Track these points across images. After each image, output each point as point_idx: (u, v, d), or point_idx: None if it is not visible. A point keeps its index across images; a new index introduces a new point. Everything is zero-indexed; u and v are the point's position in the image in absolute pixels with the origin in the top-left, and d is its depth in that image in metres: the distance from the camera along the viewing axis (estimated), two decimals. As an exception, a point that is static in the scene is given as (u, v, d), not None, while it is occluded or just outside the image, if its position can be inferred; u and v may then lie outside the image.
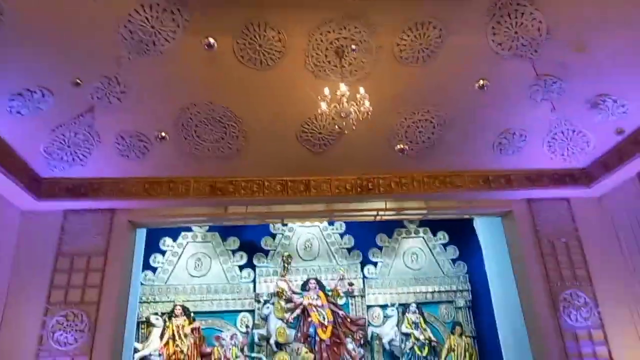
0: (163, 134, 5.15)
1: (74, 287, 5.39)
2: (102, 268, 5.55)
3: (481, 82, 4.72)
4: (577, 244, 6.41)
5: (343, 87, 4.41)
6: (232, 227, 9.61)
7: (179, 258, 9.15)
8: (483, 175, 6.31)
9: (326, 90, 4.42)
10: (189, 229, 9.27)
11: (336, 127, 4.63)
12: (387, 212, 6.53)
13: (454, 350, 8.87)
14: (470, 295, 9.46)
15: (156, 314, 8.61)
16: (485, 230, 7.72)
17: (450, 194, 6.17)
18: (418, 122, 5.67)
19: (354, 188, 5.91)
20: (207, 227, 9.35)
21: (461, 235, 9.74)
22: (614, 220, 6.50)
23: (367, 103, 4.51)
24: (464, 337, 9.02)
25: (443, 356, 8.86)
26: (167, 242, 9.16)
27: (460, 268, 9.64)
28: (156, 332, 8.45)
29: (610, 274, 6.21)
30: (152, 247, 9.05)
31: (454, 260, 9.70)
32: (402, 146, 5.56)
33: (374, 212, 6.55)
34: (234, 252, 9.37)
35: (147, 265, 8.91)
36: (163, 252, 9.11)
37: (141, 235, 7.13)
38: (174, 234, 9.22)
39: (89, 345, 5.17)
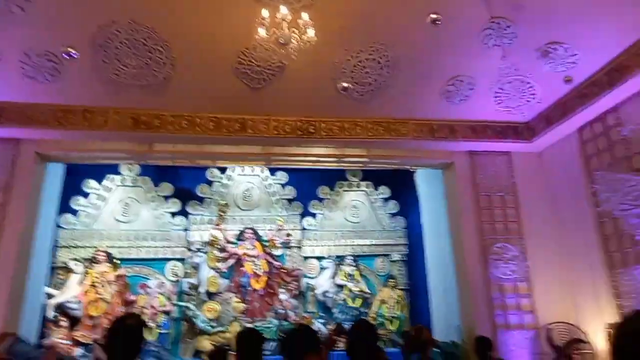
0: (72, 51, 4.42)
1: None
2: (2, 203, 4.88)
3: (433, 15, 4.38)
4: (513, 199, 6.42)
5: (284, 10, 3.93)
6: (165, 172, 9.00)
7: (105, 202, 8.47)
8: (428, 124, 6.08)
9: (264, 13, 3.92)
10: (117, 172, 8.58)
11: (274, 57, 4.18)
12: (328, 159, 6.21)
13: (385, 302, 8.95)
14: (407, 249, 9.53)
15: (76, 259, 8.00)
16: (425, 184, 7.64)
17: (394, 142, 5.92)
18: (365, 62, 5.27)
19: (294, 130, 5.49)
20: (138, 171, 8.69)
21: (402, 189, 9.68)
22: (551, 176, 6.54)
23: (310, 32, 4.08)
24: (396, 289, 9.10)
25: (374, 308, 8.92)
26: (90, 184, 8.43)
27: (399, 222, 9.63)
28: (74, 278, 7.85)
29: (542, 229, 6.30)
30: (74, 188, 8.33)
31: (393, 215, 9.67)
32: (346, 85, 5.18)
33: (314, 158, 6.20)
34: (166, 198, 8.81)
35: (67, 208, 8.21)
36: (86, 195, 8.39)
37: (56, 171, 6.44)
38: (99, 175, 8.50)
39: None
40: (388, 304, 8.93)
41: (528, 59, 5.48)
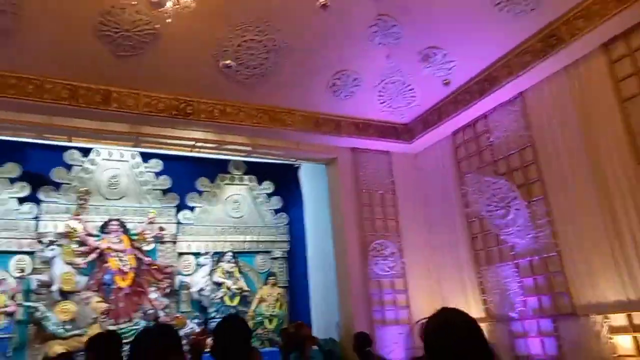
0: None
1: None
2: None
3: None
4: (391, 197, 6.47)
5: (159, -36, 3.38)
6: (12, 151, 7.67)
7: None
8: (314, 116, 5.83)
9: (135, -35, 3.34)
10: (-53, 146, 7.08)
11: (145, 19, 3.57)
12: (206, 144, 5.64)
13: (264, 300, 8.59)
14: (288, 247, 9.27)
15: None
16: (309, 180, 7.42)
17: (278, 132, 5.57)
18: (250, 42, 4.82)
19: (168, 109, 4.84)
20: (-24, 147, 7.27)
21: (286, 185, 9.41)
22: (426, 177, 6.74)
23: (188, -5, 3.56)
24: (276, 287, 8.80)
25: (253, 306, 8.51)
26: None
27: (282, 219, 9.33)
28: None
29: (417, 227, 6.43)
30: None
31: (276, 211, 9.34)
32: (229, 62, 4.70)
33: (191, 142, 5.59)
34: (12, 180, 7.49)
35: None
36: None
37: None
38: None
39: None
40: (267, 302, 8.57)
41: (410, 61, 5.52)
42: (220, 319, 2.49)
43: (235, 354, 2.42)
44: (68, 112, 4.63)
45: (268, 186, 9.30)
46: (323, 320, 7.04)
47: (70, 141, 5.20)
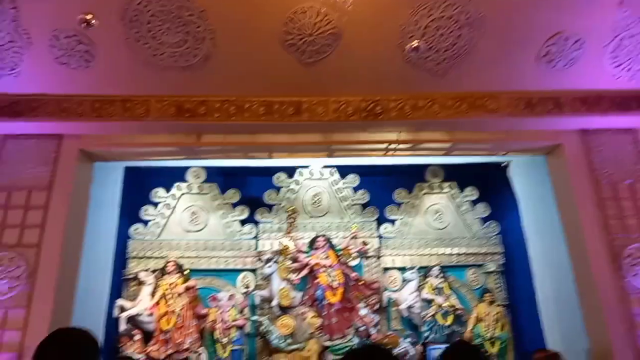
0: (90, 17, 3.82)
1: (11, 226, 4.33)
2: (44, 205, 4.44)
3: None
4: (645, 186, 4.85)
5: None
6: (231, 178, 8.43)
7: (172, 211, 8.05)
8: (525, 96, 4.73)
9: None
10: (183, 179, 8.16)
11: (328, 18, 3.28)
12: (400, 146, 5.11)
13: (482, 320, 7.50)
14: (503, 259, 8.03)
15: (146, 270, 7.61)
16: (523, 178, 6.17)
17: (481, 121, 4.68)
18: (438, 20, 4.16)
19: (357, 112, 4.49)
20: (204, 178, 8.22)
21: (493, 190, 8.23)
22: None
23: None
24: (494, 305, 7.62)
25: (470, 326, 7.51)
26: (159, 193, 8.06)
27: (492, 228, 8.15)
28: (146, 290, 7.43)
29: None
30: (144, 198, 8.02)
31: (484, 219, 8.22)
32: (416, 44, 4.11)
33: (384, 145, 5.13)
34: (234, 205, 8.21)
35: (137, 219, 7.89)
36: (155, 205, 8.04)
37: (114, 178, 6.09)
38: (168, 184, 8.13)
39: (27, 295, 4.11)
40: (486, 322, 7.47)
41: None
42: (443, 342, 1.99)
43: None
44: (266, 129, 4.68)
45: (471, 192, 8.26)
46: (562, 345, 5.65)
47: (270, 157, 5.28)
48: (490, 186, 8.21)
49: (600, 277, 4.58)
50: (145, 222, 7.90)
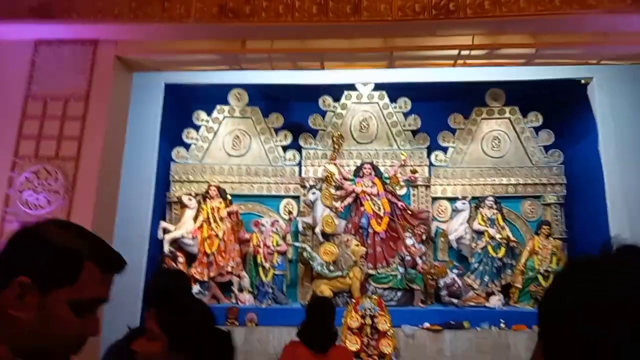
0: None
1: (48, 138, 4.01)
2: (82, 116, 4.07)
3: None
4: None
5: None
6: (274, 102, 7.92)
7: (214, 134, 7.68)
8: (632, -12, 3.89)
9: None
10: (225, 101, 7.69)
11: None
12: (474, 52, 4.36)
13: (537, 254, 7.01)
14: (565, 190, 7.35)
15: (189, 194, 7.40)
16: (607, 96, 5.33)
17: (574, 19, 3.84)
18: None
19: (427, 10, 3.76)
20: (246, 101, 7.73)
21: (560, 116, 7.39)
22: None
23: None
24: (551, 238, 7.09)
25: (523, 259, 7.04)
26: (201, 116, 7.66)
27: (555, 157, 7.41)
28: (189, 213, 7.26)
29: None
30: (185, 121, 7.66)
31: (546, 148, 7.48)
32: None
33: (455, 52, 4.38)
34: (277, 130, 7.74)
35: (179, 141, 7.59)
36: (197, 128, 7.67)
37: (154, 92, 5.67)
38: (209, 107, 7.70)
39: (66, 210, 3.85)
40: (540, 255, 6.97)
41: None
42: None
43: None
44: (318, 32, 4.05)
45: (535, 118, 7.46)
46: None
47: (322, 67, 4.68)
48: (554, 113, 7.38)
49: None
50: (187, 146, 7.59)
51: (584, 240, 6.91)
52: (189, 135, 7.59)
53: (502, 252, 7.06)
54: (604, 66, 5.07)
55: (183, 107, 7.54)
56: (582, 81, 5.46)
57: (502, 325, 6.52)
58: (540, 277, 6.87)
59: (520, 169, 7.42)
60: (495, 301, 6.89)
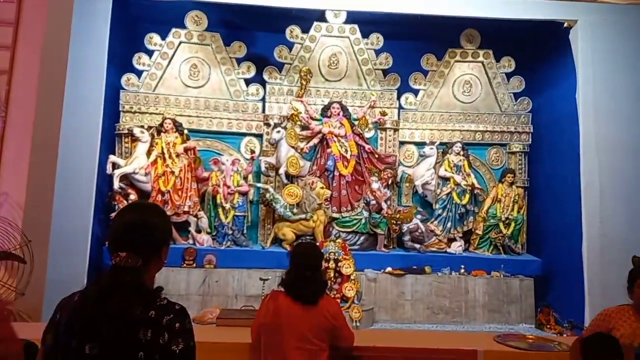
0: None
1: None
2: (15, 20, 3.34)
3: None
4: None
5: None
6: (237, 30, 7.21)
7: (169, 62, 6.93)
8: None
9: None
10: (181, 24, 6.91)
11: None
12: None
13: (499, 201, 7.05)
14: (530, 139, 7.36)
15: (142, 126, 6.76)
16: (593, 39, 5.11)
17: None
18: None
19: None
20: (205, 25, 6.96)
21: (533, 62, 7.26)
22: None
23: None
24: (514, 187, 7.14)
25: (486, 206, 7.07)
26: (154, 40, 6.83)
27: (524, 105, 7.30)
28: (142, 147, 6.64)
29: None
30: (137, 44, 6.85)
31: (516, 95, 7.38)
32: None
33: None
34: (239, 61, 7.09)
35: (130, 67, 6.78)
36: (150, 53, 6.89)
37: (100, 6, 4.92)
38: (164, 29, 6.90)
39: (-2, 132, 3.25)
40: (503, 203, 7.03)
41: None
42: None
43: None
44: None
45: (507, 63, 7.24)
46: (599, 233, 5.21)
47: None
48: (526, 59, 7.21)
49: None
50: (139, 73, 6.83)
51: (546, 189, 7.02)
52: (140, 60, 6.80)
53: (466, 199, 7.04)
54: (589, 9, 4.85)
55: (134, 27, 6.71)
56: (565, 24, 5.25)
57: (462, 270, 6.61)
58: (500, 225, 6.94)
59: (489, 116, 7.29)
60: (456, 247, 6.94)
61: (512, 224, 6.92)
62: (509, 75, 7.25)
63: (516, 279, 6.48)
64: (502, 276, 6.51)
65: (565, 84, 5.90)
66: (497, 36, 6.94)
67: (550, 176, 6.76)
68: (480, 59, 7.22)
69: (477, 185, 7.00)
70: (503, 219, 6.91)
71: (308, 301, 2.55)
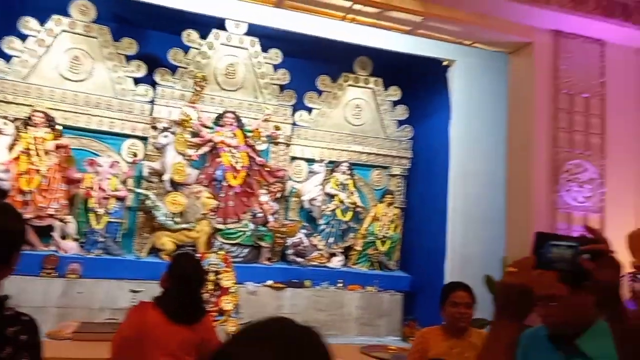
0: None
1: None
2: None
3: None
4: (599, 103, 4.33)
5: None
6: (129, 26, 6.55)
7: (47, 50, 6.02)
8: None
9: None
10: (65, 12, 6.06)
11: None
12: (365, 8, 3.87)
13: (378, 220, 7.17)
14: (409, 164, 7.61)
15: (6, 117, 5.75)
16: (464, 80, 5.44)
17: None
18: None
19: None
20: (92, 17, 6.19)
21: (414, 94, 7.54)
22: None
23: None
24: (392, 207, 7.31)
25: (366, 224, 7.14)
26: (30, 24, 5.91)
27: (406, 132, 7.58)
28: (3, 140, 5.66)
29: (627, 149, 4.32)
30: (8, 27, 5.86)
31: (400, 122, 7.61)
32: None
33: (348, 4, 3.82)
34: (129, 58, 6.41)
35: (-4, 50, 5.79)
36: (23, 37, 5.93)
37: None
38: (43, 14, 5.99)
39: None
40: (381, 221, 7.14)
41: None
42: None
43: None
44: None
45: (394, 92, 7.47)
46: (460, 253, 5.43)
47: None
48: (411, 90, 7.51)
49: (537, 189, 4.14)
50: (8, 58, 5.84)
51: (419, 211, 7.27)
52: (11, 44, 5.83)
53: (349, 216, 7.06)
54: (467, 52, 5.10)
55: (6, 9, 5.75)
56: (445, 62, 5.47)
57: (340, 284, 6.55)
58: (378, 242, 7.05)
59: (375, 139, 7.43)
60: (337, 262, 6.90)
61: (388, 242, 7.06)
62: (395, 103, 7.46)
63: (387, 294, 6.59)
64: (375, 291, 6.54)
65: (441, 116, 6.18)
66: (387, 66, 7.12)
67: (423, 199, 7.02)
68: (371, 85, 7.34)
69: (359, 203, 7.06)
70: (380, 236, 7.00)
71: (186, 322, 2.16)
